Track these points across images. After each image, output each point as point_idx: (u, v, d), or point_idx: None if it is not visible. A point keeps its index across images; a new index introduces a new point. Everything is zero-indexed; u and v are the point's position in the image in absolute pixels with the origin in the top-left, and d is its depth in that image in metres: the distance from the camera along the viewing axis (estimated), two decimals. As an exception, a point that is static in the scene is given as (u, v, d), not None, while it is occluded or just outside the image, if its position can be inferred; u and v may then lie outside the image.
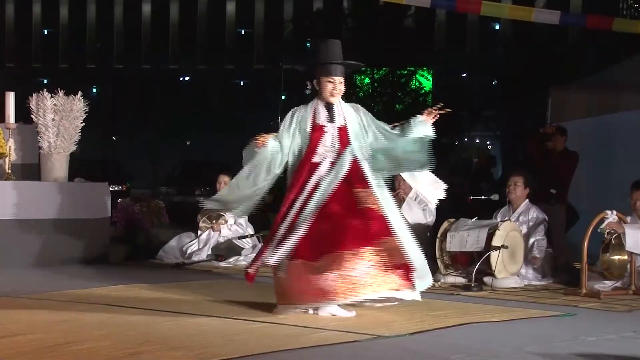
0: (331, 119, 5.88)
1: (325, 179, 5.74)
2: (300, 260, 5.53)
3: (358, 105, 6.07)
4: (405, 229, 5.77)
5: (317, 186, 5.73)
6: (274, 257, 5.58)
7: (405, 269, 5.53)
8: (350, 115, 5.93)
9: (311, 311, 5.61)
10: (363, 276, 5.41)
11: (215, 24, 43.34)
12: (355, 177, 5.77)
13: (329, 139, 5.85)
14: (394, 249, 5.54)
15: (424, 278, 5.74)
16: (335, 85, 5.86)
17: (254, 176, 5.91)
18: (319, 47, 6.03)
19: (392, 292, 5.53)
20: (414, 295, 5.65)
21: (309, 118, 5.90)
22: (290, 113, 5.98)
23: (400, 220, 5.79)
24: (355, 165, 5.80)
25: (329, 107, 5.90)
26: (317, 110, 5.91)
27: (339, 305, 5.56)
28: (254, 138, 5.88)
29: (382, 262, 5.48)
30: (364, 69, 27.13)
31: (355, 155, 5.82)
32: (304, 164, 5.82)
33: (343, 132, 5.87)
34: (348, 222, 5.57)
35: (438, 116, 5.94)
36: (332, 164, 5.79)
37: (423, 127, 5.91)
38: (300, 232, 5.59)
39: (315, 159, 5.82)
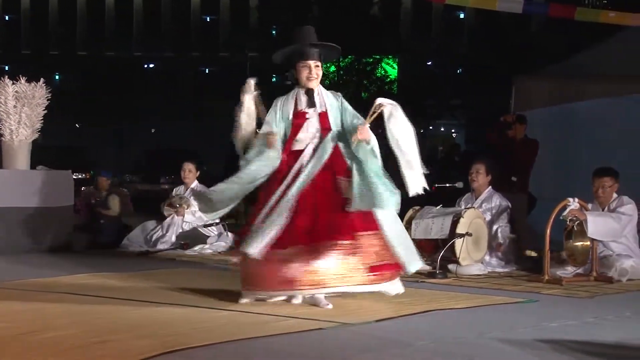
0: (312, 104, 5.83)
1: (307, 166, 5.66)
2: (271, 248, 5.47)
3: (339, 93, 5.99)
4: (392, 221, 5.65)
5: (298, 173, 5.66)
6: (256, 248, 5.44)
7: (384, 267, 5.53)
8: (331, 101, 5.87)
9: (278, 299, 5.62)
10: (331, 269, 5.39)
11: (180, 11, 43.00)
12: (338, 164, 5.69)
13: (311, 125, 5.81)
14: (371, 245, 5.50)
15: (411, 262, 5.68)
16: (311, 69, 5.80)
17: (255, 174, 5.75)
18: (293, 35, 6.00)
19: (359, 287, 5.51)
20: (395, 288, 5.67)
21: (290, 105, 5.84)
22: (273, 103, 5.88)
23: (385, 213, 5.64)
24: (337, 151, 5.71)
25: (309, 93, 5.85)
26: (298, 98, 5.86)
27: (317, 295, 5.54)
28: (266, 134, 5.69)
29: (354, 256, 5.44)
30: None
31: (338, 141, 5.75)
32: (285, 151, 5.76)
33: (324, 117, 5.81)
34: (326, 214, 5.52)
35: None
36: (315, 150, 5.73)
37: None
38: (281, 222, 5.49)
39: (297, 147, 5.76)
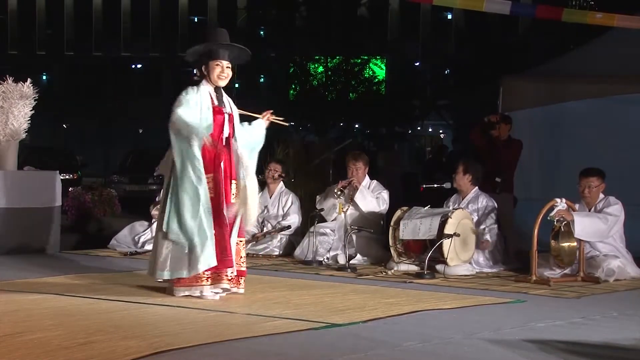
0: (221, 103, 5.93)
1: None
2: None
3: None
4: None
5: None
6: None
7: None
8: (234, 106, 6.01)
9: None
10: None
11: (168, 11, 42.90)
12: (230, 167, 5.89)
13: (225, 124, 5.89)
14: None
15: None
16: (223, 68, 5.91)
17: None
18: (206, 34, 6.04)
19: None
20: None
21: (206, 97, 5.86)
22: (187, 91, 5.84)
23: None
24: (232, 155, 5.91)
25: (218, 92, 5.93)
26: (211, 93, 5.91)
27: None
28: None
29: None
30: (317, 57, 27.11)
31: (236, 145, 5.94)
32: (214, 148, 5.84)
33: (230, 119, 5.93)
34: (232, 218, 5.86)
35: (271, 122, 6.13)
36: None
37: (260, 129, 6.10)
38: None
39: (218, 146, 5.86)
